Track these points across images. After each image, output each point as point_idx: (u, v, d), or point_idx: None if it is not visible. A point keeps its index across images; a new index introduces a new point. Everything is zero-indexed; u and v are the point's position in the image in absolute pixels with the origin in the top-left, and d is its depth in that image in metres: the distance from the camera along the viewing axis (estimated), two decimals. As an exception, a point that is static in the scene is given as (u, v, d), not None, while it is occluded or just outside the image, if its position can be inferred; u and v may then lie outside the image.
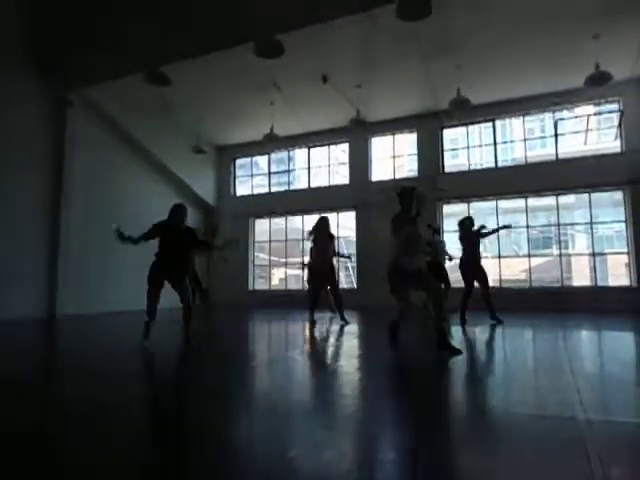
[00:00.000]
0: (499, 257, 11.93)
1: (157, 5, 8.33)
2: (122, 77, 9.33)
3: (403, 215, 4.62)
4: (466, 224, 7.55)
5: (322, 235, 7.83)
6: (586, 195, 11.26)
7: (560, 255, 11.72)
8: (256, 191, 15.35)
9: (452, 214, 12.30)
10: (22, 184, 9.44)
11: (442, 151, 12.61)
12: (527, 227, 11.82)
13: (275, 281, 15.99)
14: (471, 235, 7.45)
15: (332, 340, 6.00)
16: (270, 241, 14.97)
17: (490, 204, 12.15)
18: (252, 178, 15.55)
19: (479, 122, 12.38)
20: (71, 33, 9.31)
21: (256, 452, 2.00)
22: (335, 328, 7.01)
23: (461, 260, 7.54)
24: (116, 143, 11.65)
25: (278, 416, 2.52)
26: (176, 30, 8.34)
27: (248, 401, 2.87)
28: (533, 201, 11.97)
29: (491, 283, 12.29)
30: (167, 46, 8.39)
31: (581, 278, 12.54)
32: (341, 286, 9.82)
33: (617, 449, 1.95)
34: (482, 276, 7.31)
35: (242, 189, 15.59)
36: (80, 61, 9.53)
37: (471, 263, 7.33)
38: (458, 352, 4.25)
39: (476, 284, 7.33)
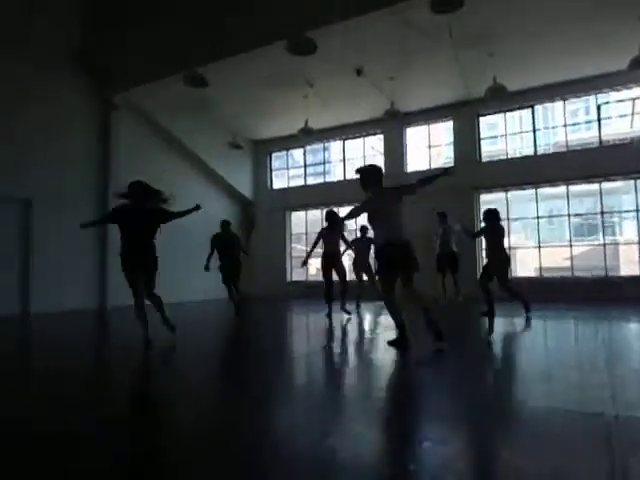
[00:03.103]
0: (539, 246, 11.70)
1: (193, 10, 8.62)
2: (162, 79, 9.73)
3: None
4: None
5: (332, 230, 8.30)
6: (632, 181, 10.84)
7: (604, 244, 11.35)
8: (292, 183, 15.57)
9: (490, 203, 12.09)
10: (73, 185, 10.10)
11: (479, 139, 12.39)
12: (568, 215, 11.51)
13: (312, 271, 16.24)
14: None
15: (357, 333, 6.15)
16: (307, 233, 15.19)
17: (529, 191, 11.89)
18: (288, 171, 15.77)
19: (517, 109, 12.09)
20: (115, 37, 9.76)
21: (293, 439, 2.19)
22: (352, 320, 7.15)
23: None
24: (156, 142, 12.12)
25: (313, 406, 2.69)
26: (211, 31, 8.60)
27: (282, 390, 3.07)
28: (575, 186, 11.60)
29: (531, 272, 12.21)
30: (204, 48, 8.67)
31: (629, 267, 12.08)
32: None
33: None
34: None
35: (278, 182, 15.85)
36: (123, 64, 9.98)
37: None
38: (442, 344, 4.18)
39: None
